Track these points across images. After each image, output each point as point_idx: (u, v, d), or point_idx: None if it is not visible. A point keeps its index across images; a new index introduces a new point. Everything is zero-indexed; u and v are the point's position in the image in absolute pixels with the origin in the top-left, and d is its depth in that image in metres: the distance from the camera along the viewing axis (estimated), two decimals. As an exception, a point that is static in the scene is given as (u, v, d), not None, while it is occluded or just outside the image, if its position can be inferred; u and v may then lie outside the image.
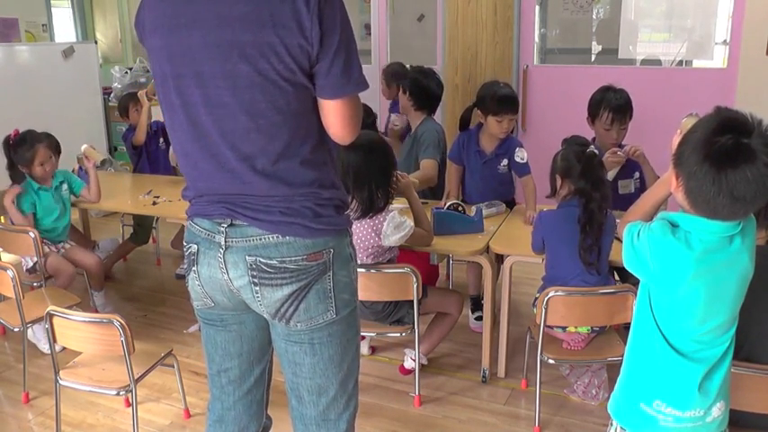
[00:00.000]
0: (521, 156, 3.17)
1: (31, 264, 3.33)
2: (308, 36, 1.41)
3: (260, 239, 1.53)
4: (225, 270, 1.57)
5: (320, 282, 1.57)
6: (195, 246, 1.61)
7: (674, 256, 1.53)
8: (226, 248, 1.55)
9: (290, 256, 1.53)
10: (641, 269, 1.61)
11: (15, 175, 3.34)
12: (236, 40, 1.41)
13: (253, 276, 1.54)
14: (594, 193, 2.45)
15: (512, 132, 3.28)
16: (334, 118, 1.53)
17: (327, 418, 1.71)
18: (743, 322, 1.65)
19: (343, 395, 1.71)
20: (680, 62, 4.73)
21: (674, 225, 1.55)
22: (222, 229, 1.55)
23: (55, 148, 3.40)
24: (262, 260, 1.53)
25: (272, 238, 1.52)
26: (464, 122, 3.38)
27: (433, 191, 3.51)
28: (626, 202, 3.01)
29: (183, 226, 4.30)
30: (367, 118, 3.58)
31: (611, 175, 2.94)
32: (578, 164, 2.49)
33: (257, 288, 1.55)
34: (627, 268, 1.65)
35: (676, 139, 1.55)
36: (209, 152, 1.53)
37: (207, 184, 1.58)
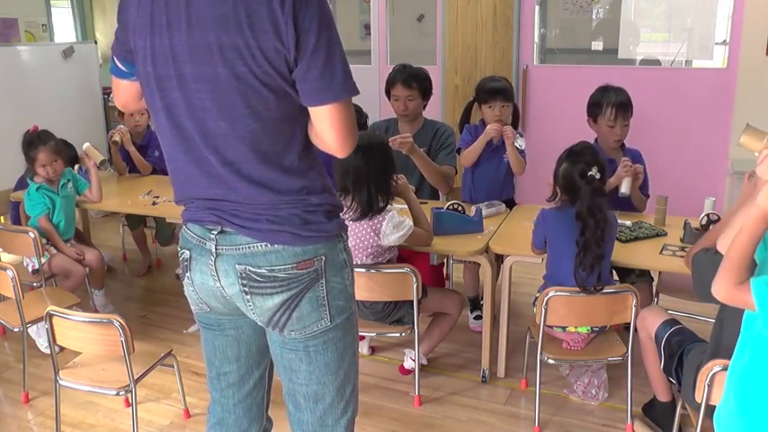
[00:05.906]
0: (519, 143, 3.24)
1: (32, 265, 3.32)
2: (284, 39, 1.35)
3: (249, 248, 1.50)
4: (216, 277, 1.55)
5: (313, 290, 1.54)
6: (188, 252, 1.60)
7: None
8: (216, 256, 1.53)
9: (279, 264, 1.50)
10: None
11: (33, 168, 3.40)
12: (214, 41, 1.37)
13: (243, 285, 1.52)
14: (589, 220, 2.40)
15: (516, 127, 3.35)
16: (321, 127, 1.46)
17: (325, 424, 1.70)
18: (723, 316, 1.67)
19: (341, 401, 1.69)
20: (680, 62, 4.73)
21: None
22: (213, 236, 1.53)
23: (60, 151, 3.41)
24: (251, 269, 1.50)
25: (261, 246, 1.50)
26: (463, 121, 3.53)
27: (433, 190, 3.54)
28: (625, 202, 3.05)
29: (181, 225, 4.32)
30: (359, 118, 3.58)
31: (624, 186, 2.92)
32: (577, 187, 2.45)
33: (248, 297, 1.54)
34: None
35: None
36: (193, 157, 1.50)
37: (195, 189, 1.56)
